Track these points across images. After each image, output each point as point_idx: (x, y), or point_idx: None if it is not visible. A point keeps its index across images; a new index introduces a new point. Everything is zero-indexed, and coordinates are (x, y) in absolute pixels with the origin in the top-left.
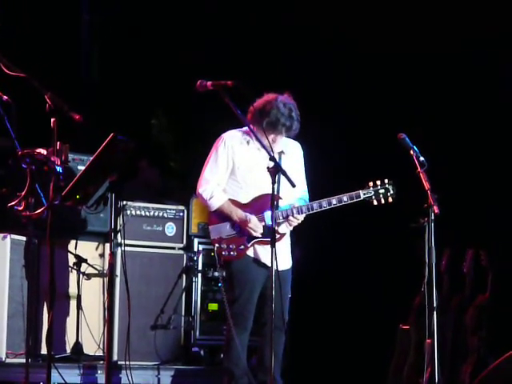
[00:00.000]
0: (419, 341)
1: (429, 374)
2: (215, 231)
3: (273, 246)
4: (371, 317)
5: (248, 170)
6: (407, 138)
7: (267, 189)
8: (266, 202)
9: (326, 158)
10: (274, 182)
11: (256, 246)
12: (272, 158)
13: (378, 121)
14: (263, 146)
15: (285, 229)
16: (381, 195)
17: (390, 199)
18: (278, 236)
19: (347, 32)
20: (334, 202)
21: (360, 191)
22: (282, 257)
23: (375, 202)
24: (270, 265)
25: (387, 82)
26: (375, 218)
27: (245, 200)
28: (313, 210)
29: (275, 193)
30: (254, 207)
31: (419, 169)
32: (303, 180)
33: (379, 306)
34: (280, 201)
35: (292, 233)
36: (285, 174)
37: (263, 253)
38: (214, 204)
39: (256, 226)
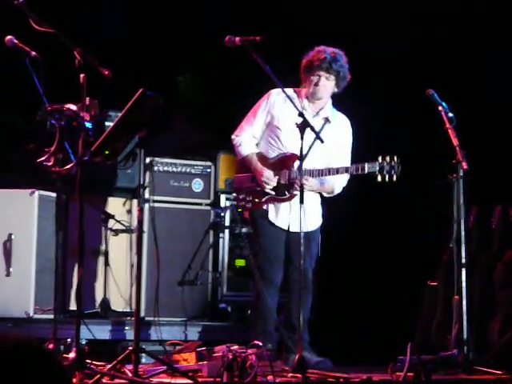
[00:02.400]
0: (447, 297)
1: (457, 330)
2: (238, 181)
3: (301, 202)
4: (399, 274)
5: (285, 128)
6: (436, 94)
7: (296, 150)
8: (288, 160)
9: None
10: (302, 138)
11: (270, 205)
12: (300, 114)
13: (406, 78)
14: (290, 100)
15: (297, 190)
16: (385, 171)
17: (394, 178)
18: (287, 195)
19: None
20: (341, 170)
21: (366, 164)
22: (296, 218)
23: (379, 178)
24: (280, 226)
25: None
26: (402, 175)
27: (273, 155)
28: (321, 175)
29: (282, 149)
30: (276, 164)
31: (447, 125)
32: (343, 156)
33: (407, 262)
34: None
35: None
36: (313, 129)
37: (273, 213)
38: (241, 152)
39: (268, 180)
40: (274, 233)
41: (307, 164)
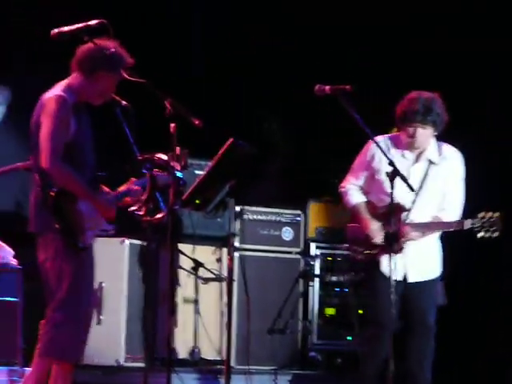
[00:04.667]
0: None
1: None
2: (350, 231)
3: (395, 252)
4: None
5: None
6: None
7: (404, 197)
8: (395, 211)
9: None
10: (392, 187)
11: (383, 256)
12: (390, 163)
13: None
14: (382, 151)
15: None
16: (486, 229)
17: (495, 234)
18: (396, 248)
19: None
20: (442, 226)
21: (469, 220)
22: (413, 267)
23: (480, 235)
24: (394, 277)
25: None
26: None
27: (381, 204)
28: (425, 228)
29: (398, 200)
30: (384, 214)
31: None
32: (452, 195)
33: None
34: (409, 213)
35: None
36: (404, 178)
37: (386, 265)
38: (349, 202)
39: (374, 232)
40: (388, 284)
41: (417, 212)
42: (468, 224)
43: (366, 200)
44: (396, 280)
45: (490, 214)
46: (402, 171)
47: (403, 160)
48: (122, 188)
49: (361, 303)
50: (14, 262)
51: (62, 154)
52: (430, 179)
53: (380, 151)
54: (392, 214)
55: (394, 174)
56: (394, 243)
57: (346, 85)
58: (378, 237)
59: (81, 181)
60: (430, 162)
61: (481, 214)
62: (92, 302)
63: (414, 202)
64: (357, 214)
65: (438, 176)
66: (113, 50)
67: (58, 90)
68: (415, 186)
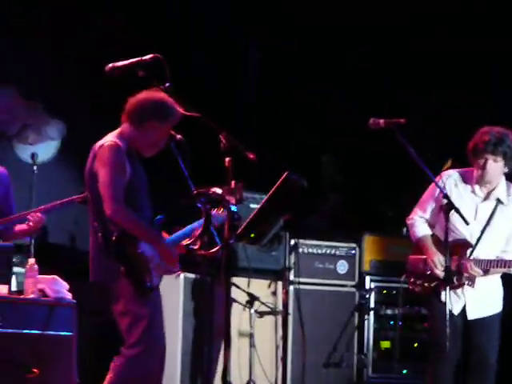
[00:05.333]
0: None
1: None
2: (411, 263)
3: (445, 286)
4: None
5: (455, 214)
6: None
7: (469, 234)
8: (460, 247)
9: None
10: (446, 220)
11: (442, 290)
12: (445, 196)
13: None
14: (436, 183)
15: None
16: None
17: None
18: (455, 283)
19: None
20: (508, 264)
21: None
22: (473, 304)
23: None
24: (454, 311)
25: None
26: None
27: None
28: (489, 267)
29: (456, 234)
30: (449, 249)
31: None
32: None
33: None
34: (474, 250)
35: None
36: (458, 211)
37: (448, 298)
38: (415, 234)
39: (438, 264)
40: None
41: (481, 250)
42: None
43: (431, 233)
44: (453, 314)
45: None
46: (471, 207)
47: (473, 196)
48: (181, 231)
49: (416, 337)
50: (69, 295)
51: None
52: (497, 218)
53: (459, 184)
54: (461, 248)
55: (449, 207)
56: (454, 277)
57: (400, 118)
58: (439, 269)
59: (144, 223)
60: (499, 201)
61: None
62: (165, 340)
63: (479, 239)
64: (422, 246)
65: (505, 216)
66: (162, 100)
67: (110, 137)
68: (482, 224)
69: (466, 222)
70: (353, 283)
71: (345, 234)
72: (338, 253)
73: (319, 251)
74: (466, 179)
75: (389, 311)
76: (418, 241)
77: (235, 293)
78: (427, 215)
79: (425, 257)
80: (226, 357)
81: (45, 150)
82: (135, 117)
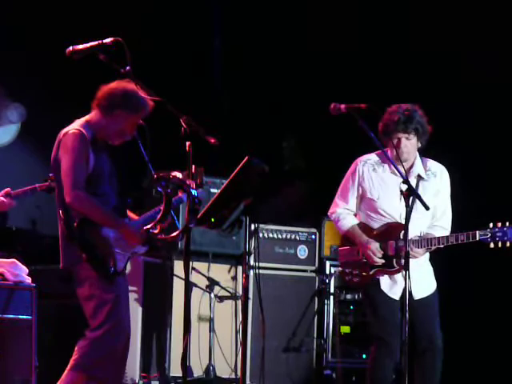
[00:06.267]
0: None
1: None
2: (342, 254)
3: (406, 269)
4: None
5: (380, 198)
6: None
7: (398, 215)
8: (393, 231)
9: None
10: (407, 206)
11: (381, 277)
12: (405, 181)
13: None
14: (396, 168)
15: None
16: (497, 238)
17: (508, 244)
18: (396, 267)
19: None
20: (451, 239)
21: (477, 232)
22: (416, 284)
23: (492, 245)
24: (395, 297)
25: None
26: None
27: (376, 226)
28: (431, 245)
29: (409, 218)
30: (380, 234)
31: None
32: (443, 210)
33: None
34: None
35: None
36: (418, 197)
37: (386, 285)
38: (342, 227)
39: (374, 252)
40: (389, 303)
41: (413, 229)
42: (479, 235)
43: (357, 222)
44: (394, 299)
45: (500, 223)
46: (395, 188)
47: (393, 176)
48: (148, 213)
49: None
50: (28, 279)
51: (84, 187)
52: (421, 194)
53: (377, 168)
54: (394, 231)
55: (409, 191)
56: (395, 262)
57: (360, 103)
58: (378, 257)
59: (103, 208)
60: (420, 177)
61: (490, 225)
62: (129, 323)
63: (408, 219)
64: (353, 236)
65: (428, 191)
66: (134, 91)
67: (76, 125)
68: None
69: (426, 208)
70: (313, 268)
71: (305, 219)
72: (298, 238)
73: (280, 236)
74: (382, 161)
75: (349, 296)
76: (347, 232)
77: (195, 277)
78: (350, 205)
79: (356, 247)
80: (186, 341)
81: (4, 133)
82: (105, 104)
